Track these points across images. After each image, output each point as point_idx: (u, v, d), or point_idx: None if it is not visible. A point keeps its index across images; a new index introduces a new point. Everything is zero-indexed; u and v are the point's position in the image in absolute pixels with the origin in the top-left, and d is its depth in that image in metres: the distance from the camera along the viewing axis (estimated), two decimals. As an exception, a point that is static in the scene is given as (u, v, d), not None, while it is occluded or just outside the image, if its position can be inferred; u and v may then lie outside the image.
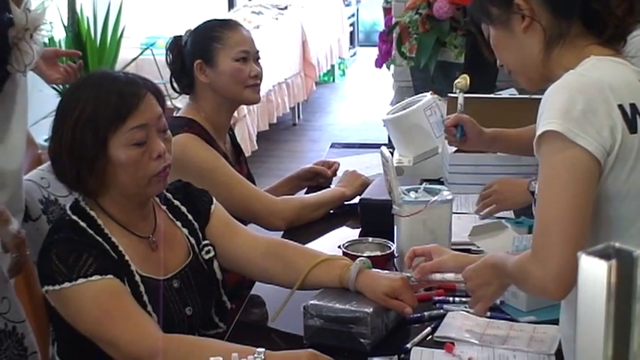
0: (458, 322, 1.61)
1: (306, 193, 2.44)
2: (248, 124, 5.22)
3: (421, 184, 1.94)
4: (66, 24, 4.41)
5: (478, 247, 1.87)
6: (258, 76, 2.19)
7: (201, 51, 2.16)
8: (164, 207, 1.69)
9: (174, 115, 2.29)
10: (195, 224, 1.71)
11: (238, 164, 2.29)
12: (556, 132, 1.22)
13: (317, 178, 2.49)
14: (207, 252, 1.69)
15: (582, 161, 1.22)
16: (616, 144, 1.23)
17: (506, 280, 1.38)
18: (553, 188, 1.23)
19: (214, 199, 1.76)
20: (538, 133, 1.25)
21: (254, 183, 2.22)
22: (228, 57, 2.15)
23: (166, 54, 2.23)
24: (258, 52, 2.22)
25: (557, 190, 1.22)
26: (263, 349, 1.38)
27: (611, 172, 1.25)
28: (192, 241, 1.69)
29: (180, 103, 4.16)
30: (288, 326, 1.65)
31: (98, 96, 1.51)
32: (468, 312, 1.64)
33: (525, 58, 1.36)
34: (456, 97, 2.18)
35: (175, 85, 2.22)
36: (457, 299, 1.71)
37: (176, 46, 2.21)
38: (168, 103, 1.73)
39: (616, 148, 1.24)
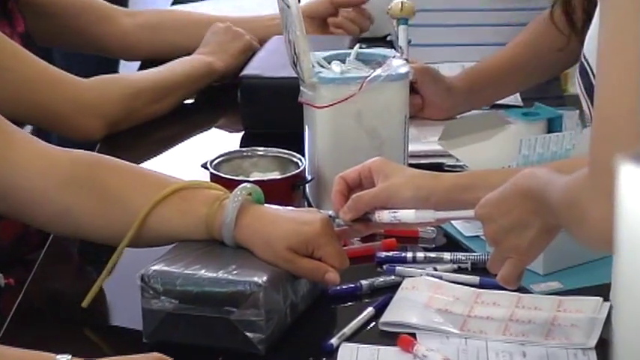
0: (421, 295, 1.52)
1: (140, 68, 2.36)
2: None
3: (352, 47, 1.85)
4: None
5: (457, 161, 1.83)
6: None
7: None
8: None
9: None
10: None
11: (6, 19, 2.18)
12: None
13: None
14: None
15: None
16: None
17: (552, 218, 1.32)
18: (624, 54, 1.23)
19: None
20: None
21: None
22: None
23: None
24: None
25: (632, 56, 1.21)
26: (68, 356, 1.32)
27: None
28: None
29: None
30: (114, 313, 1.61)
31: None
32: (439, 278, 1.56)
33: None
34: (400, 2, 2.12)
35: None
36: (420, 255, 1.64)
37: None
38: None
39: None
